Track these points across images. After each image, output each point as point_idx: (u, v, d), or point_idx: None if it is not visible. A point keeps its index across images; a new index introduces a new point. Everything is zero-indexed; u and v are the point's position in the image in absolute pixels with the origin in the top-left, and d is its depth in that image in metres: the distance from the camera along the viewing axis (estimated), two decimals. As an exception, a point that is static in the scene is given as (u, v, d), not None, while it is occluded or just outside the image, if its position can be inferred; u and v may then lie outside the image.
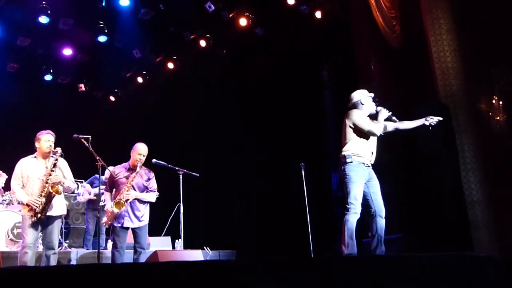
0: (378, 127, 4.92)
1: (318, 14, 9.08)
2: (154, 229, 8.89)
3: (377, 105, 5.08)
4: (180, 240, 6.88)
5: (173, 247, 7.88)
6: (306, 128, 8.91)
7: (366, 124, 4.92)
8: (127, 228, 5.59)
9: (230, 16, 9.55)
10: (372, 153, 4.99)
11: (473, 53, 6.66)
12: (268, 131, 9.34)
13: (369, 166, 4.95)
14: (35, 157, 5.28)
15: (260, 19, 9.57)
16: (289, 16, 9.25)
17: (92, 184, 8.32)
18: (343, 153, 4.95)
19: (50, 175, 5.09)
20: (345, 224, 4.75)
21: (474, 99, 6.73)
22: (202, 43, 10.12)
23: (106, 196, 5.73)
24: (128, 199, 5.49)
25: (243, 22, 9.47)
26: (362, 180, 4.83)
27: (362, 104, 5.08)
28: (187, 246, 6.85)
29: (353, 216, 4.75)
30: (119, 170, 5.70)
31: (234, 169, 9.50)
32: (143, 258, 5.58)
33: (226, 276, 2.89)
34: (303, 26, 9.26)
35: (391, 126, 5.13)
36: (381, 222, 4.82)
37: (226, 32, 9.90)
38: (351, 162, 4.84)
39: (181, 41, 10.18)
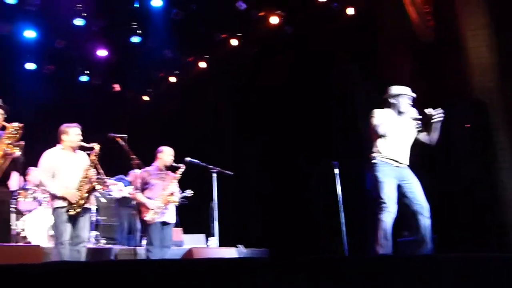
0: (382, 127, 4.83)
1: (350, 11, 9.00)
2: (188, 227, 9.03)
3: (412, 105, 4.99)
4: (213, 238, 6.96)
5: (207, 245, 7.96)
6: (337, 126, 8.86)
7: (375, 123, 4.87)
8: (167, 224, 5.72)
9: (261, 14, 9.58)
10: (403, 151, 4.90)
11: (510, 48, 6.49)
12: (299, 130, 9.32)
13: (400, 165, 4.87)
14: (62, 149, 5.22)
15: (290, 17, 9.56)
16: (320, 13, 9.20)
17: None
18: (371, 154, 4.91)
19: (89, 170, 5.14)
20: (379, 224, 4.68)
21: (511, 96, 6.56)
22: (233, 42, 10.17)
23: (139, 196, 5.84)
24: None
25: (274, 20, 9.47)
26: (391, 178, 4.74)
27: (390, 102, 5.01)
28: (221, 244, 6.91)
29: (387, 216, 4.65)
30: (147, 174, 5.85)
31: (266, 168, 9.52)
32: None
33: (259, 274, 2.92)
34: (334, 23, 9.20)
35: (423, 138, 5.02)
36: (424, 221, 4.69)
37: (257, 30, 9.93)
38: (377, 162, 4.79)
39: (212, 40, 10.28)
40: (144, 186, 5.86)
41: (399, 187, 4.80)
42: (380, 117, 4.90)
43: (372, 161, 4.83)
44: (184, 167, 6.00)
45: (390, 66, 8.22)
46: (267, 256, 8.15)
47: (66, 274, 2.25)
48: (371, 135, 4.98)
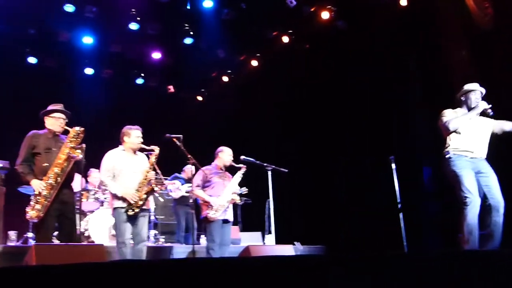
0: (453, 122, 4.81)
1: (403, 2, 8.75)
2: (244, 225, 9.10)
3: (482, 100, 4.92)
4: (270, 235, 6.97)
5: (263, 243, 7.98)
6: (393, 121, 8.65)
7: (445, 120, 4.87)
8: (227, 222, 5.82)
9: (312, 10, 9.49)
10: (479, 144, 4.82)
11: None
12: (354, 125, 9.18)
13: (475, 159, 4.76)
14: (123, 150, 5.38)
15: (342, 11, 9.41)
16: (372, 6, 9.01)
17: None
18: (445, 150, 4.89)
19: (148, 172, 5.27)
20: (464, 219, 4.56)
21: None
22: (285, 39, 10.14)
23: (200, 193, 5.92)
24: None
25: (325, 15, 9.37)
26: (468, 170, 4.66)
27: (461, 100, 5.02)
28: (277, 241, 6.91)
29: (471, 210, 4.55)
30: (209, 172, 5.94)
31: (322, 164, 9.43)
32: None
33: (317, 271, 2.89)
34: (387, 15, 8.98)
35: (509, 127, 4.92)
36: (496, 217, 4.56)
37: (308, 26, 9.85)
38: (451, 156, 4.74)
39: (263, 38, 10.29)
40: (205, 184, 5.95)
41: None
42: (450, 115, 4.92)
43: (446, 156, 4.79)
44: (245, 168, 6.06)
45: (447, 56, 7.96)
46: (324, 253, 8.09)
47: (133, 272, 2.30)
48: (443, 133, 4.99)
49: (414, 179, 7.87)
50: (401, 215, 6.62)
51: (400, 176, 6.85)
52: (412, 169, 7.89)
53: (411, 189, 7.43)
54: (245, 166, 6.09)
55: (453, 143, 4.84)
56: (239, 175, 6.07)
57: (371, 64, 8.96)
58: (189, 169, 8.48)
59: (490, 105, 4.84)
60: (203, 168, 6.02)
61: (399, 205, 6.66)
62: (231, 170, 6.20)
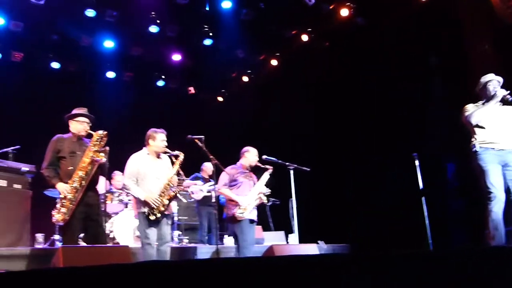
0: (475, 115, 4.80)
1: (423, -4, 8.64)
2: (267, 224, 9.09)
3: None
4: (293, 234, 6.95)
5: (287, 242, 7.97)
6: (415, 117, 8.54)
7: (467, 115, 4.87)
8: (253, 222, 5.87)
9: (331, 8, 9.44)
10: (505, 135, 4.76)
11: None
12: (375, 122, 9.10)
13: (502, 151, 4.70)
14: (147, 153, 5.41)
15: (361, 8, 9.35)
16: (392, 1, 8.91)
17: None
18: (471, 144, 4.86)
19: (172, 177, 5.30)
20: (488, 214, 4.52)
21: None
22: (304, 37, 10.11)
23: (227, 192, 5.94)
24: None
25: (344, 12, 9.31)
26: (495, 164, 4.60)
27: (480, 93, 5.00)
28: (300, 240, 6.89)
29: (495, 205, 4.50)
30: (235, 171, 5.97)
31: (343, 162, 9.37)
32: None
33: (342, 269, 2.87)
34: (407, 10, 8.88)
35: None
36: None
37: (327, 24, 9.81)
38: (477, 150, 4.70)
39: (283, 37, 10.28)
40: (231, 183, 5.97)
41: None
42: (471, 109, 4.90)
43: (473, 150, 4.76)
44: (272, 169, 6.08)
45: (469, 50, 7.84)
46: (349, 252, 8.04)
47: (160, 272, 2.32)
48: (468, 128, 4.96)
49: (438, 175, 7.77)
50: (425, 213, 6.54)
51: (424, 172, 6.77)
52: (436, 166, 7.79)
53: (435, 186, 7.34)
54: (271, 167, 6.09)
55: (478, 136, 4.80)
56: (266, 176, 6.07)
57: (391, 60, 8.87)
58: (208, 167, 8.54)
59: (509, 91, 4.79)
60: (229, 168, 6.04)
61: (424, 202, 6.58)
62: (255, 170, 6.21)
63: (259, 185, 6.02)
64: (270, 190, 6.08)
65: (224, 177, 5.99)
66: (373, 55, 9.17)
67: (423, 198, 6.59)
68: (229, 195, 5.90)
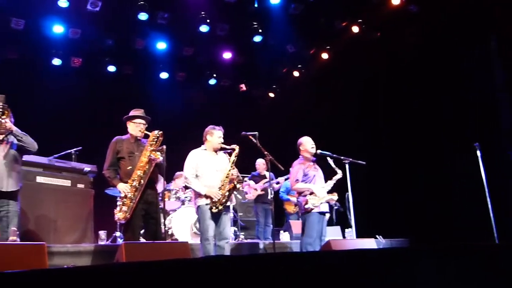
0: None
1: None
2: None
3: None
4: (350, 229, 6.86)
5: (343, 237, 7.87)
6: (474, 105, 8.20)
7: None
8: (324, 214, 5.94)
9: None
10: None
11: None
12: (432, 112, 8.80)
13: None
14: (205, 149, 5.59)
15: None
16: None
17: (254, 180, 8.76)
18: None
19: (230, 170, 5.41)
20: None
21: None
22: (355, 29, 9.93)
23: (302, 185, 5.97)
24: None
25: (395, 0, 9.07)
26: None
27: None
28: (357, 235, 6.79)
29: None
30: (305, 163, 6.06)
31: (400, 154, 9.13)
32: None
33: (403, 263, 2.81)
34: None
35: None
36: None
37: (378, 14, 9.59)
38: None
39: (333, 30, 10.15)
40: (302, 179, 5.99)
41: None
42: None
43: None
44: (340, 175, 6.09)
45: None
46: (409, 246, 7.86)
47: (221, 267, 2.35)
48: None
49: (501, 165, 7.43)
50: (489, 205, 6.30)
51: (487, 163, 6.51)
52: (499, 156, 7.46)
53: (498, 177, 7.03)
54: (340, 173, 6.12)
55: None
56: (337, 177, 6.09)
57: (449, 49, 8.55)
58: (260, 164, 8.63)
59: None
60: (296, 162, 6.09)
61: (487, 194, 6.34)
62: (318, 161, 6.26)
63: (331, 182, 6.06)
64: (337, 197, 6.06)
65: (295, 174, 6.02)
66: (427, 42, 8.88)
67: (486, 190, 6.34)
68: (304, 187, 5.94)
